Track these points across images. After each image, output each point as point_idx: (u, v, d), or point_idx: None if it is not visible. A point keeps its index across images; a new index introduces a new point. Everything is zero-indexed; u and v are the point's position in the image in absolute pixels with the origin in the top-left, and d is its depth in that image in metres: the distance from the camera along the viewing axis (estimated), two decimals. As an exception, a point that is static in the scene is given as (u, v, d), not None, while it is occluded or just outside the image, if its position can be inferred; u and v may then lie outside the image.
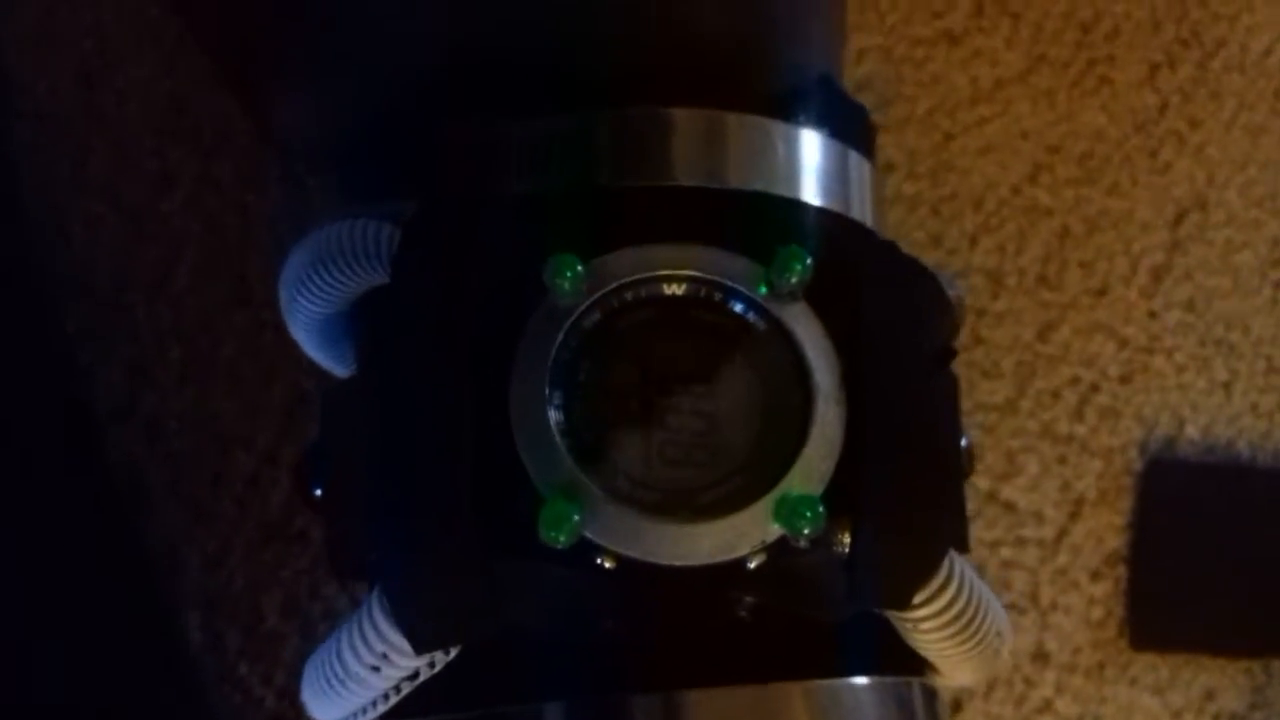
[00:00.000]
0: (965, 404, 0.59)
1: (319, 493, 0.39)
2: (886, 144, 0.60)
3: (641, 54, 0.38)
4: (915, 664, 0.38)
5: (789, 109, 0.39)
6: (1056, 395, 0.60)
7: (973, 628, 0.37)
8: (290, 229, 0.51)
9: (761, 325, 0.35)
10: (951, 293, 0.40)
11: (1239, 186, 0.62)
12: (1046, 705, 0.57)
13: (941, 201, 0.60)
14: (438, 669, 0.35)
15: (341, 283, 0.37)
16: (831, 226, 0.38)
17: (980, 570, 0.58)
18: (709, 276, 0.35)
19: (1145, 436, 0.60)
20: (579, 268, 0.34)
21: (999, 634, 0.38)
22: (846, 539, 0.34)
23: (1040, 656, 0.58)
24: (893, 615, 0.37)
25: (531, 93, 0.37)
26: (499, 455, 0.33)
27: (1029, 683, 0.57)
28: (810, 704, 0.36)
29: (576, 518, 0.32)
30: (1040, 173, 0.60)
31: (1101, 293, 0.61)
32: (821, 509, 0.33)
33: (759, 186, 0.38)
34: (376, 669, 0.35)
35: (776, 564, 0.34)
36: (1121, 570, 0.58)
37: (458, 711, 0.36)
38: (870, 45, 0.61)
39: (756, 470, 0.34)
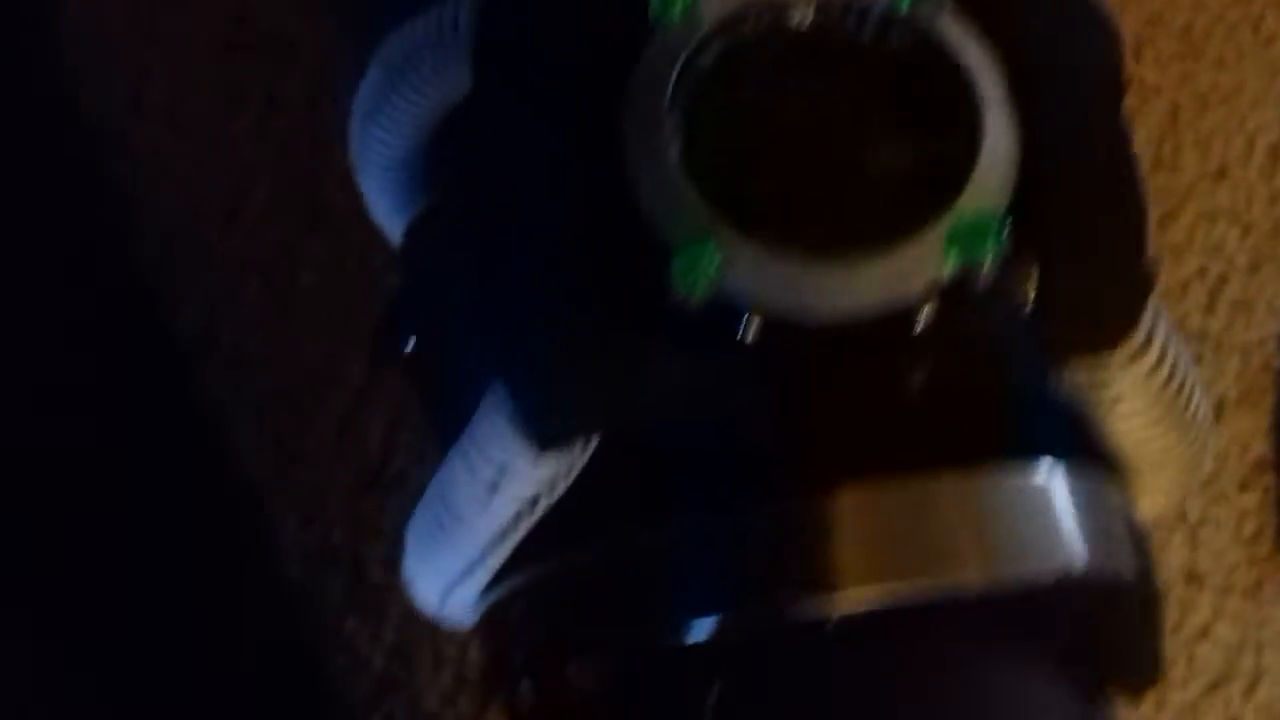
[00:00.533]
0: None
1: (412, 345, 0.35)
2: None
3: None
4: (1112, 470, 0.33)
5: None
6: (1185, 288, 0.56)
7: (1184, 398, 0.32)
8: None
9: (908, 43, 0.31)
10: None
11: (1351, 54, 0.59)
12: (1204, 631, 0.53)
13: (1044, 85, 0.56)
14: (558, 494, 0.31)
15: (422, 94, 0.33)
16: None
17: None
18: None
19: (1281, 328, 0.56)
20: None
21: (1206, 420, 0.33)
22: (1034, 276, 0.30)
23: (1194, 578, 0.54)
24: (1088, 391, 0.32)
25: None
26: (619, 210, 0.29)
27: (1184, 606, 0.53)
28: (992, 496, 0.31)
29: (714, 263, 0.28)
30: (1143, 47, 0.57)
31: (1220, 175, 0.57)
32: (1002, 230, 0.29)
33: None
34: (492, 491, 0.30)
35: (951, 314, 0.29)
36: (1271, 478, 0.55)
37: (580, 549, 0.31)
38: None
39: (922, 191, 0.30)
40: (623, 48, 0.30)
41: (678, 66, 0.30)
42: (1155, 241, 0.55)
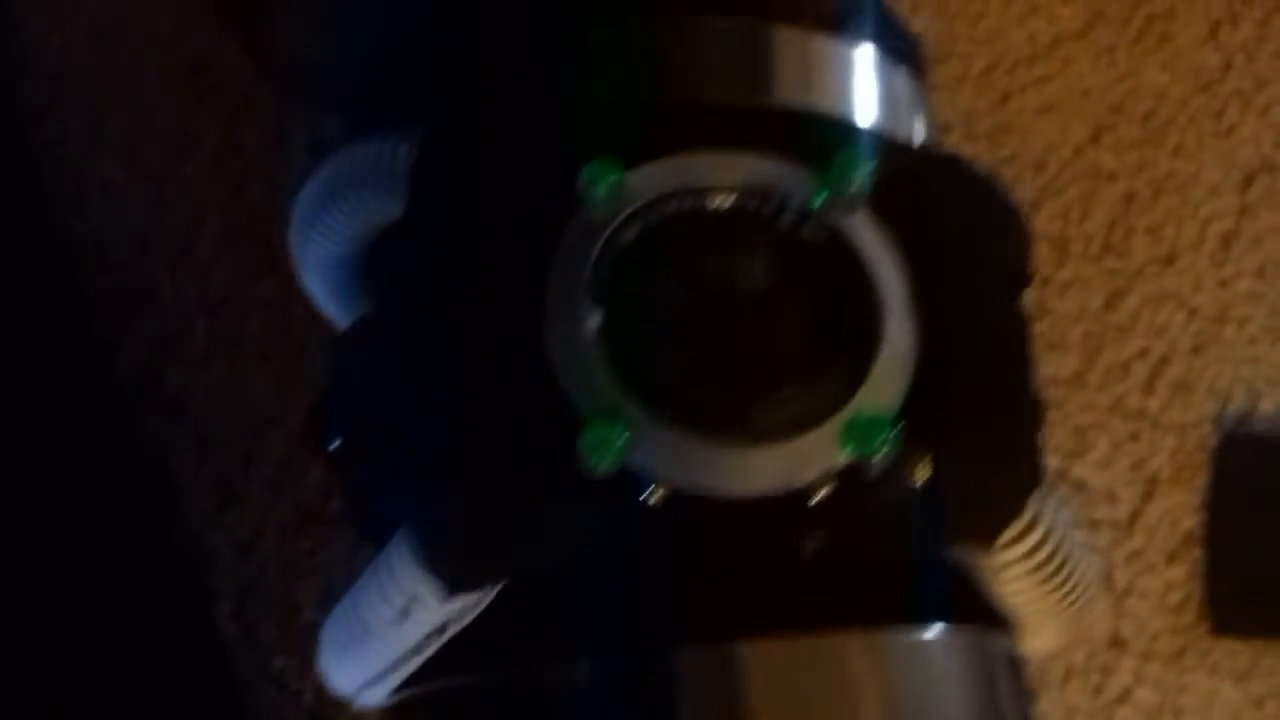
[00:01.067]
0: (1031, 377, 0.56)
1: (336, 444, 0.35)
2: (941, 104, 0.57)
3: None
4: (996, 622, 0.35)
5: (838, 25, 0.36)
6: (1126, 368, 0.57)
7: (1064, 572, 0.34)
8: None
9: (820, 237, 0.32)
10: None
11: (1309, 148, 0.60)
12: (1125, 695, 0.54)
13: (1001, 164, 0.57)
14: (467, 621, 0.32)
15: (358, 211, 0.34)
16: (887, 139, 0.36)
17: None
18: (759, 186, 0.32)
19: (1219, 411, 0.57)
20: (616, 176, 0.31)
21: (1089, 585, 0.35)
22: (924, 466, 0.31)
23: (1117, 643, 0.55)
24: (974, 560, 0.33)
25: (565, 4, 0.35)
26: (534, 376, 0.30)
27: (1106, 671, 0.54)
28: (881, 656, 0.33)
29: (621, 440, 0.29)
30: (1103, 134, 0.58)
31: (1170, 260, 0.58)
32: (894, 430, 0.30)
33: (808, 103, 0.35)
34: (403, 616, 0.32)
35: (845, 496, 0.30)
36: (1199, 552, 0.56)
37: (486, 671, 0.33)
38: None
39: (822, 389, 0.31)
40: (551, 215, 0.31)
41: (600, 242, 0.31)
42: (1101, 321, 0.57)
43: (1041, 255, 0.57)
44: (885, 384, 0.31)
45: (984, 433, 0.32)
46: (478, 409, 0.30)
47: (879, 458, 0.30)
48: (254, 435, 0.49)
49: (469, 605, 0.31)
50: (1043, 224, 0.57)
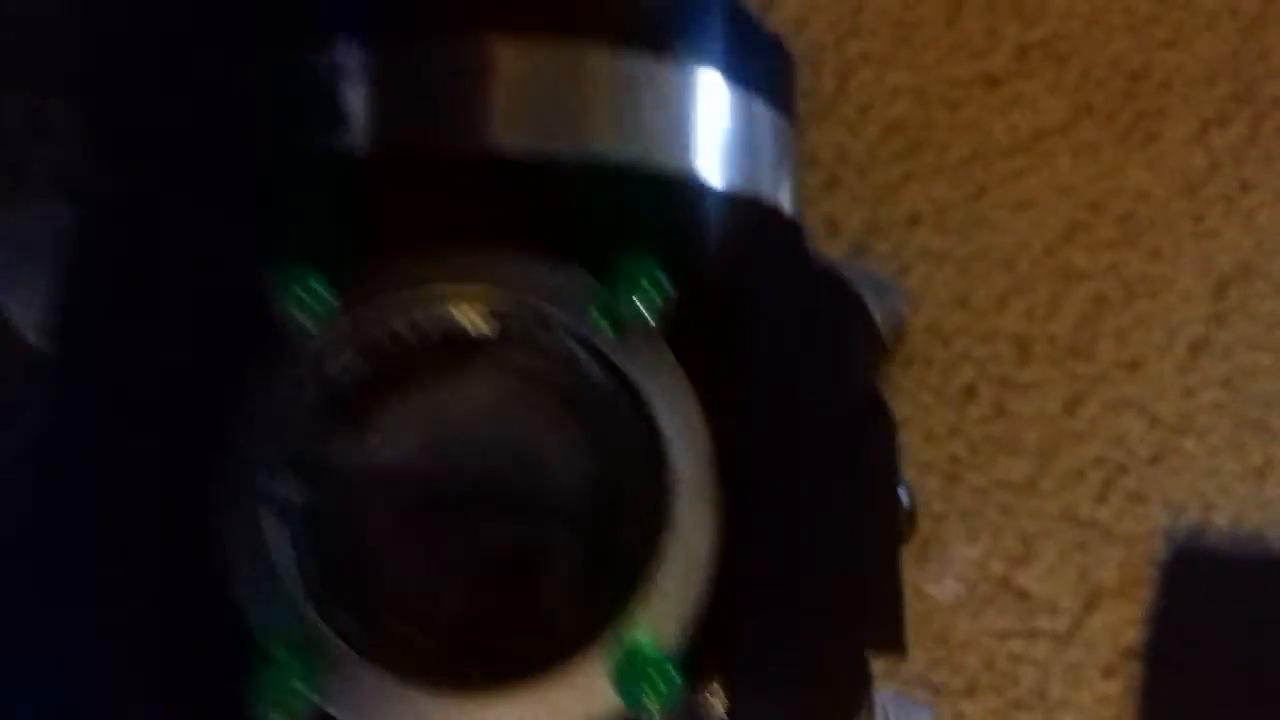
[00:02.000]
0: (982, 480, 0.54)
1: None
2: (914, 194, 0.55)
3: None
4: None
5: (662, 39, 0.27)
6: (1080, 475, 0.55)
7: None
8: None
9: (599, 375, 0.25)
10: (884, 305, 0.30)
11: (1289, 258, 0.57)
12: (1048, 812, 0.53)
13: (970, 259, 0.55)
14: None
15: (43, 287, 0.26)
16: (718, 215, 0.27)
17: (989, 664, 0.54)
18: (520, 300, 0.24)
19: (1171, 524, 0.55)
20: (326, 291, 0.23)
21: None
22: (719, 702, 0.24)
23: (1044, 757, 0.53)
24: None
25: (273, 20, 0.26)
26: (196, 587, 0.23)
27: (1030, 784, 0.52)
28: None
29: (306, 689, 0.22)
30: (1077, 232, 0.56)
31: (1135, 366, 0.56)
32: (677, 676, 0.23)
33: (602, 155, 0.26)
34: None
35: None
36: (1136, 668, 0.54)
37: None
38: (903, 84, 0.56)
39: (586, 606, 0.24)
40: (236, 347, 0.23)
41: (297, 385, 0.23)
42: (1058, 426, 0.55)
43: (1004, 355, 0.55)
44: (670, 598, 0.24)
45: (793, 664, 0.25)
46: (116, 621, 0.23)
47: (656, 706, 0.23)
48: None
49: None
50: (1008, 322, 0.55)
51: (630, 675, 0.23)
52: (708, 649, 0.24)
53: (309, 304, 0.23)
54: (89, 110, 0.28)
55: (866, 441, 0.27)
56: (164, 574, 0.23)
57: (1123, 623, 0.54)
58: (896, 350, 0.31)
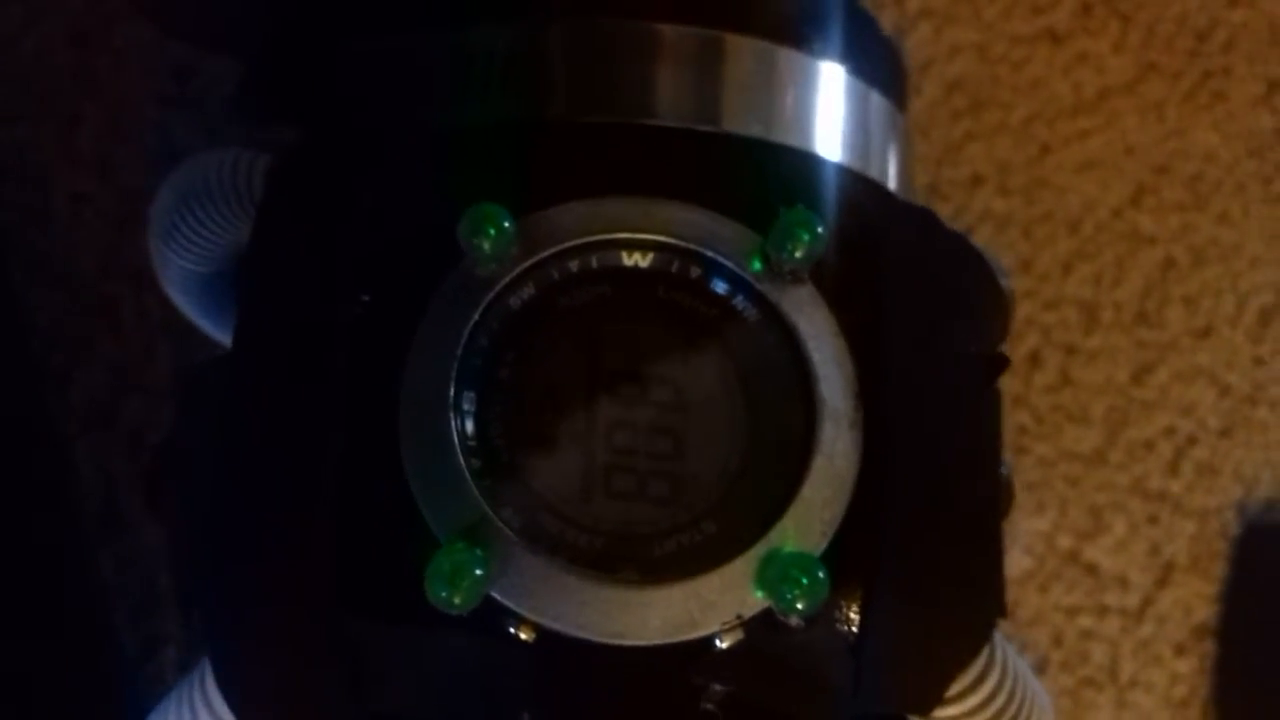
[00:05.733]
0: (1049, 451, 0.53)
1: (164, 498, 0.30)
2: (977, 155, 0.54)
3: None
4: None
5: (801, 35, 0.30)
6: (1150, 446, 0.54)
7: None
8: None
9: (753, 314, 0.27)
10: (1004, 282, 0.31)
11: (1362, 222, 0.56)
12: (1118, 789, 0.51)
13: (1034, 222, 0.54)
14: None
15: (212, 232, 0.30)
16: (850, 187, 0.30)
17: (1057, 640, 0.52)
18: (684, 244, 0.27)
19: (1244, 497, 0.54)
20: (506, 224, 0.25)
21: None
22: (855, 615, 0.26)
23: (1116, 738, 0.51)
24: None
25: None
26: (378, 480, 0.25)
27: (1103, 764, 0.51)
28: None
29: (479, 572, 0.24)
30: (1144, 195, 0.54)
31: (1205, 333, 0.55)
32: (823, 575, 0.24)
33: (757, 131, 0.29)
34: None
35: (758, 645, 0.25)
36: (1210, 645, 0.53)
37: None
38: (965, 41, 0.54)
39: (736, 515, 0.26)
40: (422, 268, 0.26)
41: (480, 307, 0.26)
42: (1127, 396, 0.53)
43: (1069, 321, 0.54)
44: (815, 512, 0.26)
45: (922, 580, 0.27)
46: (308, 513, 0.25)
47: (802, 605, 0.24)
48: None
49: None
50: (1073, 288, 0.54)
51: (780, 577, 0.24)
52: (850, 559, 0.26)
53: (491, 237, 0.25)
54: (271, 69, 0.31)
55: (986, 395, 0.30)
56: (350, 474, 0.25)
57: (1195, 599, 0.53)
58: (1009, 326, 0.32)
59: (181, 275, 0.31)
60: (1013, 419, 0.53)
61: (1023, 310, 0.54)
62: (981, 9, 0.54)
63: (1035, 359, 0.53)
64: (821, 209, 0.27)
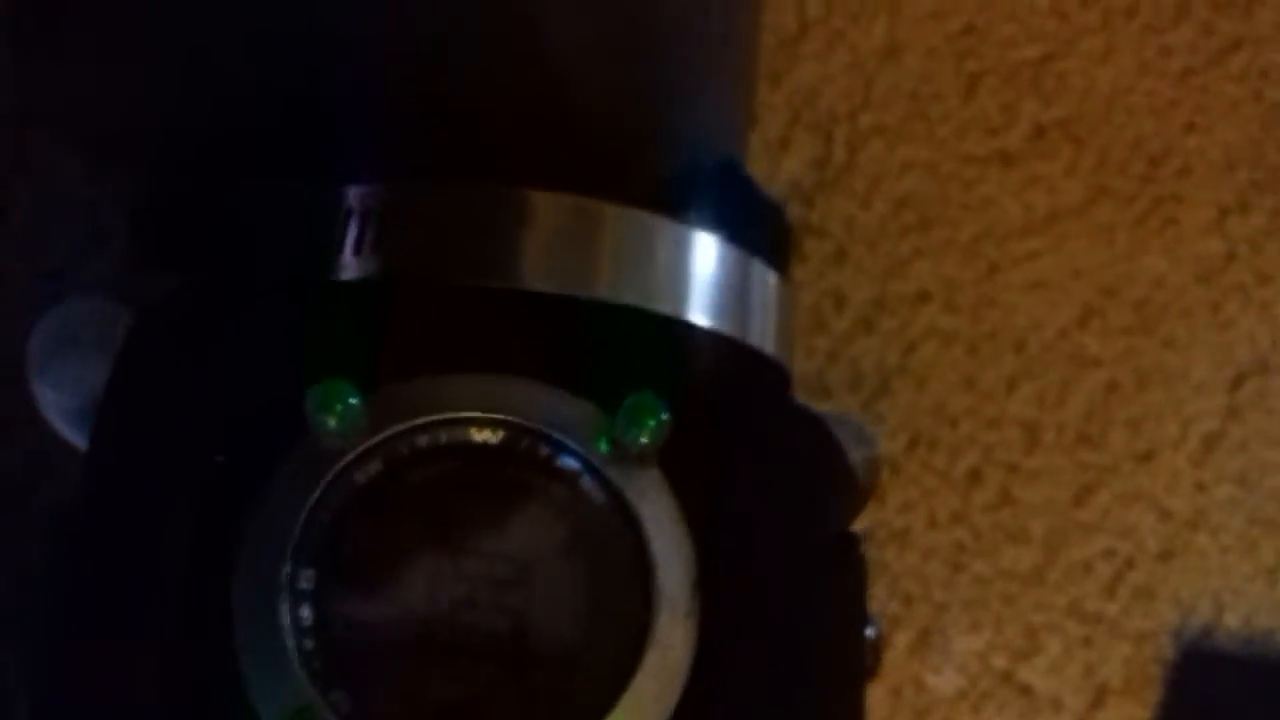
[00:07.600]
0: (986, 569, 0.53)
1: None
2: (924, 271, 0.54)
3: (488, 118, 0.30)
4: None
5: (675, 201, 0.31)
6: (1088, 568, 0.54)
7: None
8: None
9: (599, 497, 0.27)
10: (862, 453, 0.32)
11: (1308, 353, 0.56)
12: None
13: (979, 340, 0.54)
14: None
15: (83, 371, 0.29)
16: (711, 363, 0.30)
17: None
18: (532, 425, 0.27)
19: (1180, 622, 0.54)
20: (353, 401, 0.26)
21: None
22: None
23: None
24: None
25: (341, 154, 0.29)
26: (209, 657, 0.25)
27: None
28: None
29: None
30: (1091, 317, 0.54)
31: (1147, 457, 0.55)
32: None
33: (626, 299, 0.29)
34: None
35: None
36: (1142, 773, 0.52)
37: None
38: (916, 159, 0.54)
39: (569, 704, 0.26)
40: (271, 444, 0.26)
41: (319, 488, 0.26)
42: (1067, 516, 0.53)
43: (1011, 441, 0.54)
44: (647, 703, 0.26)
45: None
46: (131, 690, 0.25)
47: None
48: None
49: None
50: (1016, 407, 0.54)
51: None
52: None
53: (339, 413, 0.25)
54: (137, 217, 0.32)
55: (836, 576, 0.30)
56: (181, 649, 0.25)
57: (1127, 723, 0.52)
58: (872, 493, 0.33)
59: (60, 409, 0.31)
60: (951, 536, 0.53)
61: (965, 427, 0.54)
62: (935, 127, 0.55)
63: (976, 476, 0.53)
64: (674, 389, 0.27)
